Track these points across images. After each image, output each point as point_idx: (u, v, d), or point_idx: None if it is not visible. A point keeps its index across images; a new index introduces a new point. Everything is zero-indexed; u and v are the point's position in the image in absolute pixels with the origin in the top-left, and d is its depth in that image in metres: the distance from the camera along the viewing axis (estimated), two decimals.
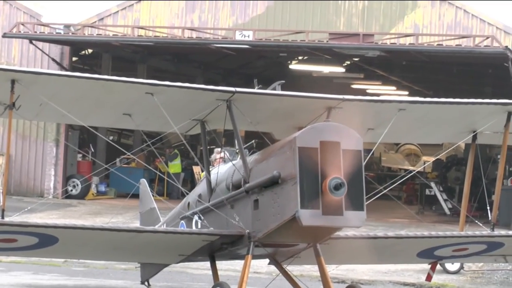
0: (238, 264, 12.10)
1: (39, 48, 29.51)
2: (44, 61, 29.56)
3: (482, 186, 17.45)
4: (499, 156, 24.56)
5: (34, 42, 29.11)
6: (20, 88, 9.32)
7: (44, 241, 10.14)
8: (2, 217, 9.63)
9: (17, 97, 9.34)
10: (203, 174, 12.54)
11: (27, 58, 29.92)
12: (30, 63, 29.63)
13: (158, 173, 26.50)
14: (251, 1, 28.71)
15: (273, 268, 11.87)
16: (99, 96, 10.54)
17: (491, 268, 19.69)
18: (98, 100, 10.70)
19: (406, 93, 37.53)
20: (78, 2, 33.36)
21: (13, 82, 9.17)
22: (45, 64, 29.10)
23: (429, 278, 14.52)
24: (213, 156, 13.23)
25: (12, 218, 10.72)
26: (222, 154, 12.55)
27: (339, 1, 27.55)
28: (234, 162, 11.18)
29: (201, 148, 15.05)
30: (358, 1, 27.50)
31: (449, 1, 27.11)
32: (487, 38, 25.13)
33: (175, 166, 30.71)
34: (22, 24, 29.28)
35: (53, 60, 29.46)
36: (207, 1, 29.09)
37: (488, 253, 12.44)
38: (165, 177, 26.00)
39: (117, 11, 30.01)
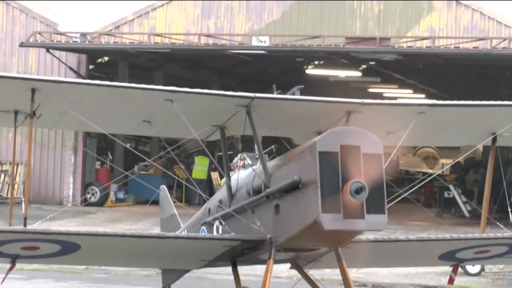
0: (259, 269, 12.04)
1: (56, 57, 29.77)
2: (61, 70, 29.83)
3: (502, 188, 17.35)
4: None
5: (51, 51, 29.38)
6: (40, 97, 9.38)
7: (66, 248, 10.12)
8: (25, 225, 9.73)
9: (37, 106, 9.39)
10: (223, 180, 12.60)
11: (44, 67, 30.10)
12: (47, 72, 29.82)
13: (177, 178, 26.42)
14: (267, 6, 28.71)
15: (294, 272, 11.87)
16: (118, 104, 10.58)
17: None
18: (118, 108, 10.77)
19: (423, 96, 37.70)
20: (94, 11, 33.63)
21: (33, 91, 9.22)
22: (62, 72, 29.34)
23: (451, 281, 14.38)
24: (234, 162, 13.01)
25: (34, 226, 10.74)
26: (242, 160, 12.64)
27: (355, 5, 27.64)
28: (254, 167, 11.15)
29: (219, 154, 15.12)
30: (375, 2, 27.45)
31: (465, 2, 26.95)
32: (504, 40, 25.30)
33: (200, 172, 30.63)
34: (39, 33, 29.56)
35: (70, 68, 29.69)
36: (223, 7, 29.22)
37: (509, 255, 12.32)
38: (184, 182, 25.84)
39: (133, 19, 30.31)
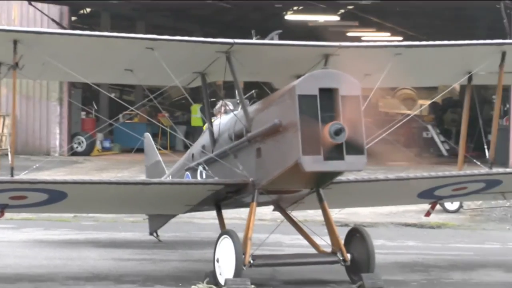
0: (243, 212, 12.01)
1: (38, 9, 29.50)
2: (44, 22, 29.59)
3: (478, 127, 17.59)
4: (494, 97, 24.79)
5: (33, 3, 29.04)
6: (23, 48, 9.36)
7: (53, 197, 10.14)
8: (12, 175, 9.71)
9: (20, 57, 9.35)
10: (205, 126, 12.74)
11: (27, 20, 30.13)
12: (30, 24, 29.57)
13: (161, 126, 26.44)
14: None
15: (277, 214, 11.90)
16: (100, 53, 10.55)
17: (489, 206, 19.67)
18: (100, 57, 10.73)
19: (401, 38, 37.71)
20: None
21: (15, 42, 9.20)
22: (45, 24, 29.04)
23: (428, 214, 14.46)
24: (216, 108, 12.93)
25: (21, 176, 10.73)
26: (224, 106, 12.66)
27: None
28: (235, 112, 11.14)
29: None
30: None
31: None
32: None
33: (198, 120, 31.02)
34: None
35: (53, 20, 29.43)
36: None
37: (486, 191, 12.45)
38: (168, 130, 26.27)
39: None
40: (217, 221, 11.35)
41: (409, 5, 29.27)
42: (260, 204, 10.38)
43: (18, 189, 9.76)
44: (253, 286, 9.40)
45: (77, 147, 30.70)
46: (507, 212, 19.96)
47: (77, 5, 32.60)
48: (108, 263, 12.97)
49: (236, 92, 10.91)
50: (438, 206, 14.79)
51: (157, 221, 14.05)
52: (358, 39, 35.35)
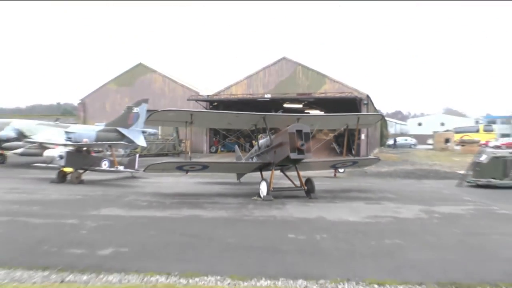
0: (268, 173, 19.01)
1: (199, 103, 51.66)
2: (201, 108, 49.39)
3: (349, 143, 26.69)
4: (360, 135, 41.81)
5: (198, 102, 51.74)
6: (194, 116, 17.58)
7: (203, 167, 18.36)
8: (190, 159, 19.77)
9: (192, 118, 17.49)
10: (255, 142, 20.56)
11: (194, 108, 48.02)
12: (192, 106, 50.55)
13: (240, 143, 40.71)
14: (268, 86, 51.53)
15: (281, 174, 19.85)
16: (217, 117, 19.27)
17: (354, 170, 29.62)
18: (217, 119, 19.46)
19: (323, 112, 54.17)
20: (212, 81, 58.55)
21: (191, 114, 17.54)
22: (201, 109, 48.29)
23: (335, 174, 24.67)
24: (259, 136, 20.36)
25: (193, 159, 20.63)
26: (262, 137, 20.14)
27: (300, 89, 49.05)
28: (266, 138, 19.19)
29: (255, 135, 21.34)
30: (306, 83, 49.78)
31: (335, 79, 49.37)
32: (350, 93, 45.80)
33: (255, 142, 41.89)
34: (193, 96, 51.78)
35: (204, 107, 51.02)
36: (254, 86, 50.69)
37: (353, 165, 21.49)
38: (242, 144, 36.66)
39: (229, 87, 51.29)
40: (259, 175, 19.76)
41: (324, 101, 49.17)
42: (275, 169, 18.38)
43: (191, 163, 18.04)
44: (272, 197, 17.06)
45: (212, 150, 51.18)
46: (361, 173, 30.17)
47: (213, 102, 51.09)
48: (221, 190, 20.67)
49: (267, 131, 19.13)
50: (337, 170, 25.62)
51: (239, 175, 23.00)
52: (308, 113, 53.27)
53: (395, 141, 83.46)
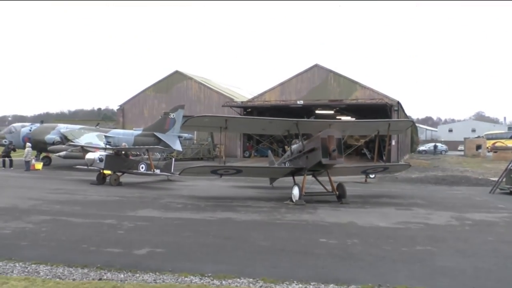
0: (301, 178, 19.42)
1: (233, 109, 50.22)
2: (235, 114, 48.62)
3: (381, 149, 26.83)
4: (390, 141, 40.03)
5: (232, 108, 49.68)
6: (228, 122, 18.68)
7: (237, 171, 19.08)
8: (224, 163, 19.55)
9: (226, 124, 18.54)
10: (288, 148, 21.50)
11: (228, 114, 48.83)
12: (226, 112, 50.54)
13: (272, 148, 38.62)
14: (301, 92, 50.35)
15: (313, 179, 20.41)
16: (249, 122, 19.87)
17: (385, 176, 29.68)
18: (250, 124, 20.19)
19: (354, 118, 52.60)
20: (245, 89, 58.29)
21: (226, 120, 18.62)
22: (236, 115, 48.54)
23: (365, 180, 24.58)
24: (292, 142, 21.02)
25: (227, 163, 20.61)
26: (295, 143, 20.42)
27: (332, 96, 48.69)
28: (299, 143, 19.60)
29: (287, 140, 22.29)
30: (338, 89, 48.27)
31: (367, 85, 47.79)
32: (381, 99, 43.58)
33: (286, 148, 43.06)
34: (227, 102, 51.82)
35: (238, 113, 49.59)
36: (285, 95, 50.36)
37: (384, 171, 21.59)
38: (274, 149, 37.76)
39: (263, 93, 51.70)
40: (291, 180, 20.35)
41: (356, 108, 47.93)
42: (307, 174, 19.11)
43: (226, 168, 18.83)
44: (304, 202, 17.42)
45: (245, 155, 51.12)
46: (392, 178, 30.12)
47: (246, 108, 51.87)
48: (254, 194, 21.15)
49: (299, 137, 19.57)
50: (369, 176, 26.00)
51: (272, 179, 22.97)
52: (339, 119, 51.63)
53: (435, 146, 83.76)
